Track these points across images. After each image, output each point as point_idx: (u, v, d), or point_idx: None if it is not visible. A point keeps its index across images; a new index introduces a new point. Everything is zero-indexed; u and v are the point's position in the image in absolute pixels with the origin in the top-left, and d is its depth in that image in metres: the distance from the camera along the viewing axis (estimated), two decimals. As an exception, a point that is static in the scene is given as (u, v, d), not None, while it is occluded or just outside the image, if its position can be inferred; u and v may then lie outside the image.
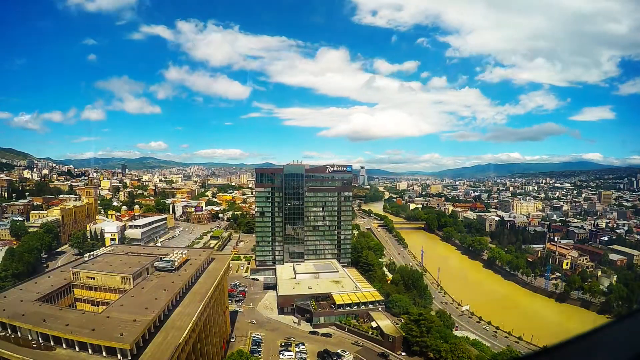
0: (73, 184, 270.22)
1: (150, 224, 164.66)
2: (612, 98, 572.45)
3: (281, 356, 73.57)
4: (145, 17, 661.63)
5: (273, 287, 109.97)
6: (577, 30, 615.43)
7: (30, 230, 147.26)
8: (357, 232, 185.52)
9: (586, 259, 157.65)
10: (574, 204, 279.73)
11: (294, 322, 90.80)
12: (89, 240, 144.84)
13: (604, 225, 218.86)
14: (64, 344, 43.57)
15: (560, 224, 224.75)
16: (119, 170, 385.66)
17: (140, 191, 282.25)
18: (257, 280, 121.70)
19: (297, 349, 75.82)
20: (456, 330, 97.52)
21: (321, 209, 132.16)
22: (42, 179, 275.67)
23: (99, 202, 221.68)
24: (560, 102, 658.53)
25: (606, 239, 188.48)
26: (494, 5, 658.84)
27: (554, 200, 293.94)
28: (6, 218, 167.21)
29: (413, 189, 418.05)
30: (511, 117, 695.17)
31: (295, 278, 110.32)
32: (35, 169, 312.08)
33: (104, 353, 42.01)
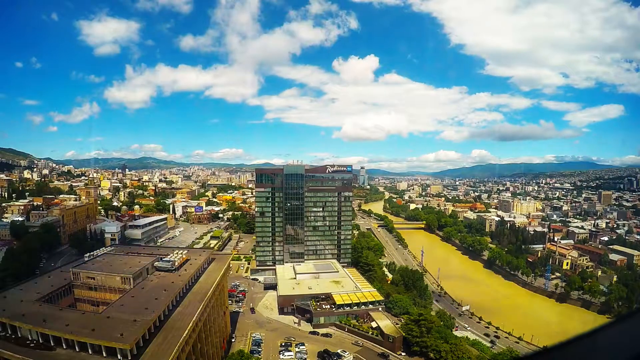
0: (73, 184, 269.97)
1: (150, 224, 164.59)
2: (613, 98, 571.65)
3: (281, 356, 73.55)
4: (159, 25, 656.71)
5: (273, 287, 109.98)
6: (580, 28, 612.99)
7: (30, 230, 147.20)
8: (357, 232, 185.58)
9: (586, 259, 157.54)
10: (574, 204, 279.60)
11: (294, 322, 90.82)
12: (89, 240, 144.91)
13: (604, 225, 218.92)
14: (64, 344, 43.61)
15: (560, 224, 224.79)
16: (119, 171, 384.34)
17: (140, 191, 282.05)
18: (257, 280, 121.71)
19: (297, 349, 75.81)
20: (456, 330, 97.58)
21: (321, 209, 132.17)
22: (42, 179, 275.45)
23: (99, 202, 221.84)
24: (561, 102, 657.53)
25: (606, 239, 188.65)
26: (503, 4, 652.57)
27: (554, 200, 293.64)
28: (6, 218, 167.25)
29: (413, 189, 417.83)
30: (512, 117, 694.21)
31: (295, 278, 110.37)
32: (35, 169, 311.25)
33: (104, 353, 42.04)
